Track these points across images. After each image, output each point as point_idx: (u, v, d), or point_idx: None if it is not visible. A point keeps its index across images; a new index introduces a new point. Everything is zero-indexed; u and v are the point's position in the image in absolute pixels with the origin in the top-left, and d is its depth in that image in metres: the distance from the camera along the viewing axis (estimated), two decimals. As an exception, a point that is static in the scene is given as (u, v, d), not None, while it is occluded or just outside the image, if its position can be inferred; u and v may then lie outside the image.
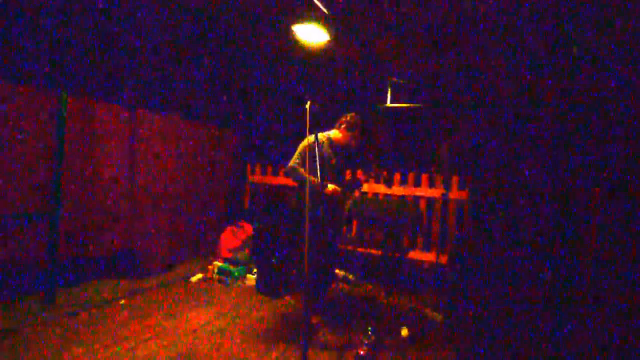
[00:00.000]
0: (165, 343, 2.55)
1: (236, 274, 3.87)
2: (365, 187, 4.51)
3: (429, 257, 4.24)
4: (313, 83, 5.46)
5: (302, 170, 2.75)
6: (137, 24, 3.99)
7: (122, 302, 3.18)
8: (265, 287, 3.62)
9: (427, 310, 3.36)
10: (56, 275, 3.07)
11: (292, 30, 3.72)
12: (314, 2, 3.36)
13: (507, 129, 3.55)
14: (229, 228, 4.60)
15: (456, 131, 4.51)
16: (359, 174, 3.18)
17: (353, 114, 2.99)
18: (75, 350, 2.38)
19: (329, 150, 2.94)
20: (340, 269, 4.18)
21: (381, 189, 4.49)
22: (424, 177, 4.33)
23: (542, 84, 3.29)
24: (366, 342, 2.51)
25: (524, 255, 3.11)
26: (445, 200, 4.13)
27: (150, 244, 3.89)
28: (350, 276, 4.19)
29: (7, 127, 2.81)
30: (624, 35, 2.62)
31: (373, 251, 4.39)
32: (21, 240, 2.93)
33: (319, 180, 2.52)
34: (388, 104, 4.82)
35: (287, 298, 3.53)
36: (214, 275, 3.90)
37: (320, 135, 2.91)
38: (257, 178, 5.25)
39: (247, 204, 5.31)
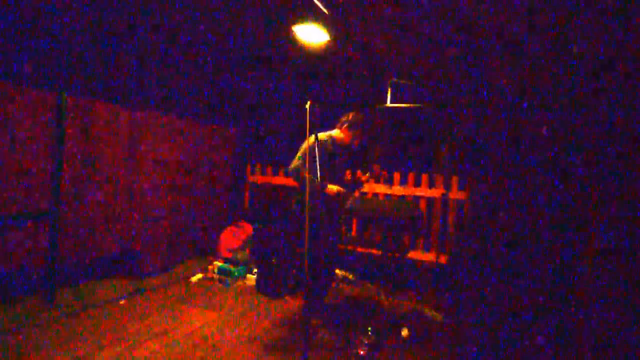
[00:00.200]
0: (165, 343, 2.55)
1: (236, 274, 3.87)
2: (365, 187, 4.51)
3: (429, 257, 4.24)
4: (313, 83, 5.46)
5: (303, 171, 2.75)
6: (137, 24, 3.99)
7: (122, 302, 3.18)
8: (266, 287, 3.62)
9: (427, 310, 3.36)
10: (56, 275, 3.08)
11: (292, 31, 3.72)
12: (314, 2, 3.36)
13: (508, 129, 3.55)
14: (229, 228, 4.61)
15: (456, 131, 4.51)
16: (359, 174, 3.17)
17: (354, 112, 2.97)
18: (75, 350, 2.38)
19: (331, 150, 2.93)
20: (340, 269, 4.18)
21: (381, 189, 4.49)
22: (424, 177, 4.33)
23: (543, 83, 3.29)
24: (366, 342, 2.52)
25: (524, 255, 3.11)
26: (445, 200, 4.13)
27: (150, 244, 3.89)
28: (350, 276, 4.19)
29: (7, 127, 2.81)
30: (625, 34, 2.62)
31: (373, 251, 4.39)
32: (21, 240, 2.93)
33: (320, 180, 2.52)
34: (388, 104, 4.82)
35: (287, 298, 3.53)
36: (214, 275, 3.90)
37: (321, 134, 2.90)
38: (257, 178, 5.25)
39: (247, 204, 5.31)
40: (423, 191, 4.30)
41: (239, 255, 4.16)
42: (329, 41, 3.91)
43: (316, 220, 2.69)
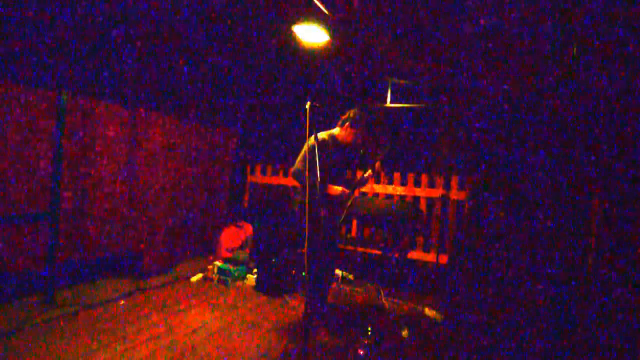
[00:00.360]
0: (165, 343, 2.55)
1: (236, 274, 3.87)
2: (365, 187, 4.52)
3: (429, 257, 4.24)
4: (313, 83, 5.46)
5: (305, 173, 2.72)
6: (138, 23, 3.99)
7: (122, 302, 3.18)
8: (265, 287, 3.62)
9: (427, 310, 3.36)
10: (56, 275, 3.07)
11: (292, 31, 3.72)
12: (314, 2, 3.36)
13: (508, 129, 3.55)
14: (229, 228, 4.60)
15: (456, 131, 4.51)
16: (359, 173, 3.16)
17: (356, 109, 2.92)
18: (75, 350, 2.38)
19: (333, 149, 2.88)
20: (340, 269, 4.18)
21: (381, 189, 4.49)
22: (424, 177, 4.33)
23: (542, 82, 3.29)
24: (366, 342, 2.52)
25: (523, 255, 3.11)
26: (445, 200, 4.13)
27: (150, 244, 3.89)
28: (350, 276, 4.20)
29: (7, 127, 2.81)
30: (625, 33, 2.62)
31: (373, 251, 4.39)
32: (21, 240, 2.93)
33: (320, 180, 2.49)
34: (388, 104, 4.82)
35: (286, 298, 3.53)
36: (214, 275, 3.90)
37: (322, 133, 2.87)
38: (257, 178, 5.25)
39: (247, 204, 5.31)
40: (423, 191, 4.30)
41: (239, 256, 4.17)
42: (329, 41, 3.90)
43: (318, 222, 2.67)
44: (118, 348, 2.44)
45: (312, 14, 3.51)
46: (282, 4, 3.61)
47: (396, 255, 4.24)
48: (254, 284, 3.78)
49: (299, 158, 2.80)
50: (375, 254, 4.36)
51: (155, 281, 3.73)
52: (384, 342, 2.73)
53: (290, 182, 4.95)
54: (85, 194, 3.34)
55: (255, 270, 3.91)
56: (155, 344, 2.52)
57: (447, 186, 4.19)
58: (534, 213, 3.12)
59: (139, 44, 4.09)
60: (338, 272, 4.09)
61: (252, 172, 5.31)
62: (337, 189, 2.81)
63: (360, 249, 4.39)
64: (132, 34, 3.99)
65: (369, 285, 4.01)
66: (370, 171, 3.07)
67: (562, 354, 2.59)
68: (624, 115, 2.63)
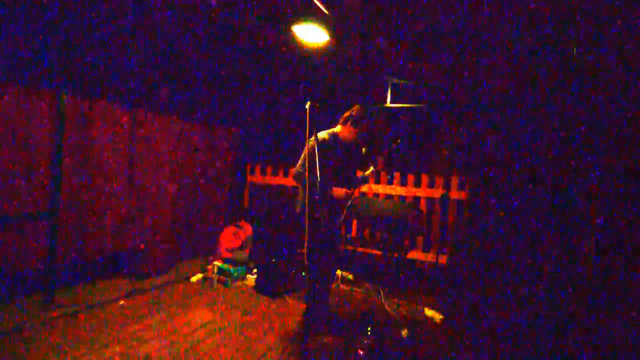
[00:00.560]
0: (165, 343, 2.55)
1: (236, 274, 3.87)
2: (364, 187, 4.52)
3: (429, 257, 4.24)
4: (313, 83, 5.46)
5: (306, 173, 2.69)
6: (137, 23, 3.98)
7: (122, 302, 3.18)
8: (265, 287, 3.62)
9: (427, 310, 3.36)
10: (56, 275, 3.07)
11: (292, 31, 3.72)
12: (314, 2, 3.36)
13: (508, 129, 3.55)
14: (228, 228, 4.60)
15: (456, 131, 4.51)
16: (359, 173, 3.15)
17: (358, 107, 2.86)
18: (75, 350, 2.38)
19: (334, 148, 2.83)
20: (340, 269, 4.18)
21: (381, 189, 4.49)
22: (424, 177, 4.33)
23: (542, 83, 3.29)
24: (366, 342, 2.52)
25: (523, 255, 3.11)
26: (445, 200, 4.13)
27: (150, 244, 3.89)
28: (350, 276, 4.19)
29: (7, 127, 2.81)
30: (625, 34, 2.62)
31: (373, 251, 4.39)
32: (21, 240, 2.92)
33: (320, 180, 2.47)
34: (388, 104, 4.82)
35: (286, 298, 3.53)
36: (214, 276, 3.89)
37: (323, 133, 2.83)
38: (257, 178, 5.25)
39: (247, 204, 5.31)
40: (423, 191, 4.30)
41: (239, 256, 4.16)
42: (329, 41, 3.91)
43: (319, 224, 2.64)
44: (117, 348, 2.44)
45: (312, 14, 3.51)
46: (282, 4, 3.61)
47: (396, 255, 4.23)
48: (253, 284, 3.78)
49: (300, 160, 2.77)
50: (375, 254, 4.36)
51: (155, 281, 3.72)
52: (384, 342, 2.73)
53: (290, 182, 4.95)
54: (85, 194, 3.34)
55: (255, 270, 3.91)
56: (155, 344, 2.52)
57: (447, 186, 4.19)
58: (534, 213, 3.12)
59: (138, 44, 4.08)
60: (338, 272, 4.09)
61: (252, 172, 5.31)
62: (341, 191, 2.78)
63: (360, 249, 4.39)
64: (132, 34, 3.99)
65: (368, 285, 4.01)
66: (372, 168, 3.04)
67: (562, 354, 2.58)
68: (625, 116, 2.63)
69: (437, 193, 4.22)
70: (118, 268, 3.80)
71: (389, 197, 4.47)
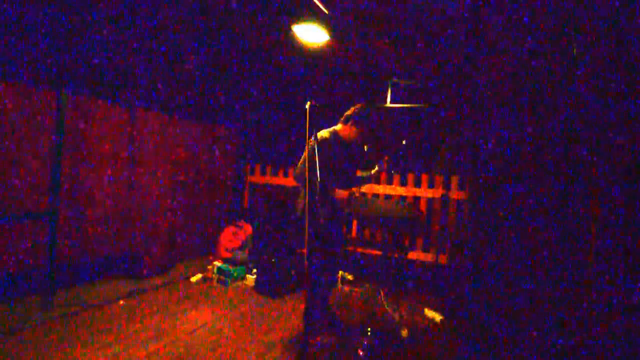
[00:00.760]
0: (164, 343, 2.55)
1: (235, 274, 3.87)
2: (364, 187, 4.51)
3: (429, 257, 4.24)
4: (313, 83, 5.46)
5: (307, 174, 2.67)
6: (137, 23, 3.98)
7: (122, 302, 3.18)
8: (265, 287, 3.62)
9: (427, 310, 3.36)
10: (56, 275, 3.07)
11: (292, 30, 3.72)
12: (314, 2, 3.36)
13: (508, 129, 3.55)
14: (228, 228, 4.60)
15: (456, 131, 4.51)
16: (359, 172, 3.14)
17: (360, 106, 2.81)
18: (75, 350, 2.38)
19: (335, 146, 2.78)
20: (340, 269, 4.18)
21: (381, 189, 4.49)
22: (424, 177, 4.33)
23: (542, 82, 3.29)
24: (366, 342, 2.51)
25: (523, 255, 3.11)
26: (445, 200, 4.13)
27: (149, 244, 3.89)
28: (350, 276, 4.19)
29: (6, 127, 2.81)
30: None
31: (373, 251, 4.39)
32: (21, 240, 2.92)
33: (321, 180, 2.45)
34: (388, 104, 4.82)
35: (286, 298, 3.53)
36: (214, 276, 3.89)
37: (324, 132, 2.80)
38: (256, 178, 5.25)
39: (246, 204, 5.31)
40: (423, 191, 4.30)
41: (239, 256, 4.16)
42: (329, 41, 3.91)
43: (320, 224, 2.62)
44: (118, 348, 2.44)
45: (312, 14, 3.51)
46: (282, 4, 3.61)
47: (396, 255, 4.23)
48: (253, 284, 3.78)
49: (301, 160, 2.75)
50: (375, 254, 4.35)
51: (154, 281, 3.72)
52: (383, 342, 2.73)
53: (290, 182, 4.95)
54: (84, 194, 3.34)
55: (254, 270, 3.91)
56: (155, 344, 2.52)
57: (447, 186, 4.19)
58: (534, 213, 3.12)
59: (138, 43, 4.08)
60: (339, 272, 4.09)
61: (252, 172, 5.30)
62: (344, 192, 2.75)
63: (360, 249, 4.39)
64: (132, 34, 3.98)
65: (368, 285, 4.01)
66: (377, 168, 3.03)
67: (563, 354, 2.58)
68: (626, 116, 2.63)
69: (437, 193, 4.22)
70: (118, 268, 3.80)
71: (388, 197, 4.47)
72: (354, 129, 2.81)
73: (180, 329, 2.78)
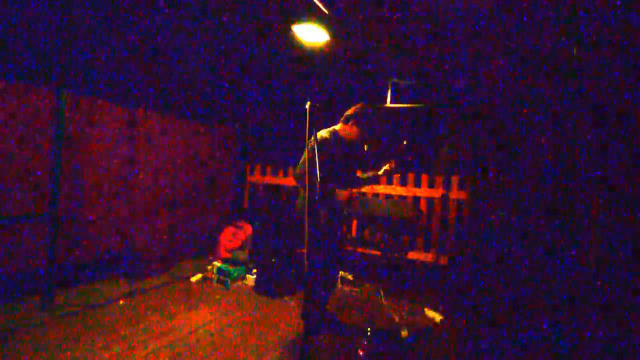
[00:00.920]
0: (164, 343, 2.55)
1: (235, 274, 3.87)
2: (364, 187, 4.51)
3: (428, 257, 4.23)
4: (313, 83, 5.46)
5: (306, 175, 2.66)
6: (138, 23, 3.98)
7: (122, 302, 3.18)
8: (265, 287, 3.62)
9: (427, 310, 3.35)
10: (56, 275, 3.07)
11: (292, 30, 3.71)
12: (314, 2, 3.36)
13: (507, 129, 3.55)
14: (228, 228, 4.60)
15: (456, 131, 4.51)
16: (359, 172, 3.13)
17: (361, 106, 2.79)
18: (75, 350, 2.38)
19: (335, 146, 2.75)
20: (340, 269, 4.18)
21: (381, 189, 4.49)
22: (424, 177, 4.33)
23: (542, 82, 3.29)
24: (366, 342, 2.51)
25: (523, 255, 3.11)
26: (445, 200, 4.13)
27: (149, 244, 3.89)
28: (349, 276, 4.19)
29: (6, 126, 2.81)
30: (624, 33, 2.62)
31: (373, 251, 4.39)
32: (21, 240, 2.92)
33: (321, 180, 2.44)
34: (388, 104, 4.82)
35: (286, 299, 3.52)
36: (214, 276, 3.89)
37: (324, 131, 2.78)
38: (256, 178, 5.25)
39: (246, 204, 5.31)
40: (423, 191, 4.30)
41: (238, 256, 4.16)
42: (329, 41, 3.90)
43: (321, 226, 2.61)
44: (118, 348, 2.44)
45: (312, 14, 3.50)
46: (282, 4, 3.61)
47: (396, 255, 4.23)
48: (253, 284, 3.77)
49: (301, 160, 2.74)
50: (375, 254, 4.35)
51: (154, 281, 3.72)
52: (383, 343, 2.73)
53: (290, 182, 4.95)
54: (84, 194, 3.34)
55: (254, 270, 3.90)
56: (155, 344, 2.52)
57: (447, 186, 4.19)
58: (534, 213, 3.12)
59: (138, 43, 4.08)
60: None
61: (252, 172, 5.30)
62: (345, 193, 2.75)
63: (359, 249, 4.39)
64: (132, 34, 3.98)
65: (368, 285, 4.00)
66: (385, 168, 3.02)
67: (563, 354, 2.58)
68: (626, 115, 2.63)
69: (437, 193, 4.21)
70: (118, 268, 3.80)
71: (388, 197, 4.47)
72: (354, 129, 2.80)
73: (180, 329, 2.78)
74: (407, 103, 4.80)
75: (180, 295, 3.46)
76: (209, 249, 4.66)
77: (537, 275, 2.98)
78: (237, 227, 4.62)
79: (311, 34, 3.75)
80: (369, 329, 2.63)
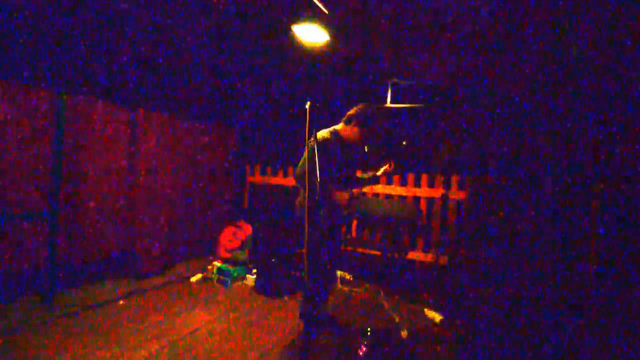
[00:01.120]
0: (164, 343, 2.55)
1: (235, 274, 3.87)
2: (364, 187, 4.51)
3: (429, 257, 4.23)
4: (313, 83, 5.46)
5: (306, 174, 2.65)
6: (137, 23, 3.98)
7: (122, 302, 3.18)
8: (265, 287, 3.62)
9: (427, 310, 3.35)
10: (56, 275, 3.07)
11: (292, 30, 3.71)
12: (314, 2, 3.36)
13: (507, 129, 3.55)
14: (228, 228, 4.60)
15: (456, 131, 4.51)
16: (358, 173, 3.12)
17: (362, 106, 2.76)
18: (75, 350, 2.38)
19: (336, 147, 2.73)
20: (339, 269, 4.18)
21: (381, 189, 4.49)
22: (424, 177, 4.32)
23: (542, 82, 3.29)
24: (365, 342, 2.51)
25: (523, 255, 3.11)
26: (445, 200, 4.13)
27: (149, 244, 3.89)
28: (349, 276, 4.19)
29: (6, 127, 2.81)
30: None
31: (372, 252, 4.39)
32: (21, 240, 2.92)
33: (322, 181, 2.44)
34: (388, 104, 4.82)
35: (286, 298, 3.52)
36: (214, 276, 3.89)
37: (324, 131, 2.77)
38: (256, 178, 5.25)
39: (246, 204, 5.31)
40: (423, 191, 4.30)
41: (238, 256, 4.16)
42: (329, 41, 3.90)
43: (320, 224, 2.61)
44: (118, 348, 2.44)
45: (312, 14, 3.50)
46: (282, 4, 3.61)
47: (396, 255, 4.23)
48: (253, 284, 3.77)
49: (301, 161, 2.73)
50: (375, 254, 4.35)
51: (154, 281, 3.72)
52: (383, 343, 2.73)
53: (290, 182, 4.95)
54: (84, 194, 3.34)
55: (254, 270, 3.90)
56: (155, 344, 2.52)
57: (447, 186, 4.19)
58: (534, 213, 3.12)
59: (138, 44, 4.08)
60: (338, 272, 4.08)
61: (252, 172, 5.31)
62: (344, 195, 2.74)
63: (359, 249, 4.39)
64: (132, 34, 3.98)
65: (368, 285, 4.00)
66: (384, 168, 3.01)
67: (563, 354, 2.58)
68: (626, 115, 2.63)
69: (437, 193, 4.21)
70: (118, 268, 3.80)
71: (388, 197, 4.47)
72: (356, 129, 2.76)
73: (180, 329, 2.78)
74: (407, 103, 4.79)
75: (180, 295, 3.46)
76: (209, 249, 4.67)
77: (537, 275, 2.98)
78: (237, 227, 4.62)
79: (311, 34, 3.75)
80: (369, 329, 2.63)
